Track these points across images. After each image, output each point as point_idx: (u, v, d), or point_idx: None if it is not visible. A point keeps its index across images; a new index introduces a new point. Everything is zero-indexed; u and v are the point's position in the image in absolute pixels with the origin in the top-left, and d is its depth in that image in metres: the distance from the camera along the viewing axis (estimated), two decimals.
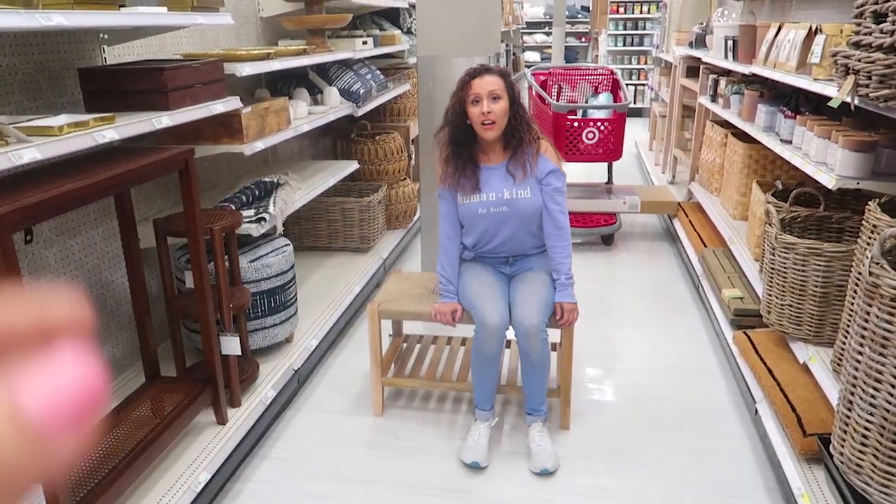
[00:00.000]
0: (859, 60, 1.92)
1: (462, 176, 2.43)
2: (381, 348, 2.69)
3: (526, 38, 12.79)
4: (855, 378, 1.71)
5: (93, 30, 2.38)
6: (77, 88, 2.33)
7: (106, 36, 2.47)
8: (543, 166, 2.43)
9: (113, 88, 2.17)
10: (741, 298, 3.11)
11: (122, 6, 2.02)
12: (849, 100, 1.98)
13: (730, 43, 3.85)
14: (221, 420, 2.37)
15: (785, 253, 2.35)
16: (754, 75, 3.44)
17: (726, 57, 3.93)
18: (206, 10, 2.39)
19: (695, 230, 4.25)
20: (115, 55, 2.56)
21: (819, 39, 2.49)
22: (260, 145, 2.72)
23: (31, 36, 2.17)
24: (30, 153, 1.58)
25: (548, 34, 12.64)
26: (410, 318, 2.70)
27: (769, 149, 3.13)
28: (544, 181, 2.43)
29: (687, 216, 4.53)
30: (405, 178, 4.66)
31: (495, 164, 2.46)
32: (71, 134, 1.73)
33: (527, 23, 12.61)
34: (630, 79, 10.98)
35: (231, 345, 2.37)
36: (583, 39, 12.96)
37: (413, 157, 5.01)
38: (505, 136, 2.42)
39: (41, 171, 1.78)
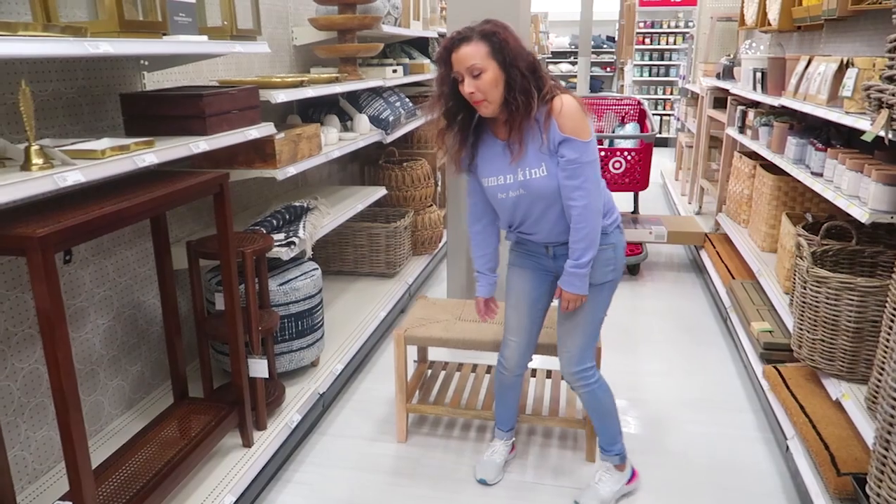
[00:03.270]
0: (893, 94, 1.91)
1: (461, 149, 2.11)
2: (406, 374, 2.69)
3: (551, 67, 12.90)
4: (892, 417, 1.67)
5: (136, 57, 2.45)
6: (117, 113, 2.40)
7: (146, 63, 2.54)
8: (553, 136, 1.97)
9: (153, 113, 2.22)
10: (771, 332, 3.06)
11: (165, 34, 2.09)
12: (883, 134, 1.97)
13: (758, 75, 3.85)
14: (247, 443, 2.38)
15: (817, 287, 2.32)
16: (783, 107, 3.43)
17: (755, 89, 3.93)
18: (245, 39, 2.46)
19: (722, 262, 4.21)
20: (154, 81, 2.64)
21: (851, 73, 2.48)
22: (292, 170, 2.76)
23: (75, 62, 2.25)
24: (74, 176, 1.63)
25: (573, 64, 12.73)
26: (436, 345, 2.69)
27: (798, 181, 3.10)
28: (558, 153, 1.99)
29: (714, 247, 4.49)
30: (431, 205, 4.69)
31: (500, 140, 2.07)
32: (113, 157, 1.78)
33: (552, 52, 12.73)
34: (655, 109, 11.00)
35: (259, 367, 2.39)
36: (608, 69, 13.04)
37: (440, 183, 5.05)
38: (505, 107, 1.97)
39: (82, 193, 1.83)
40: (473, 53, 1.91)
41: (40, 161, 1.61)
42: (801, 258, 2.46)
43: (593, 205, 2.02)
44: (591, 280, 2.13)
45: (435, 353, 3.18)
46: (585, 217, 2.02)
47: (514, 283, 2.33)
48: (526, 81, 1.93)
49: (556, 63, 13.14)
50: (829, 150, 2.73)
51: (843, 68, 2.65)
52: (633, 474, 2.42)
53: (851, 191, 2.42)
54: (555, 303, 2.30)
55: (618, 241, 2.19)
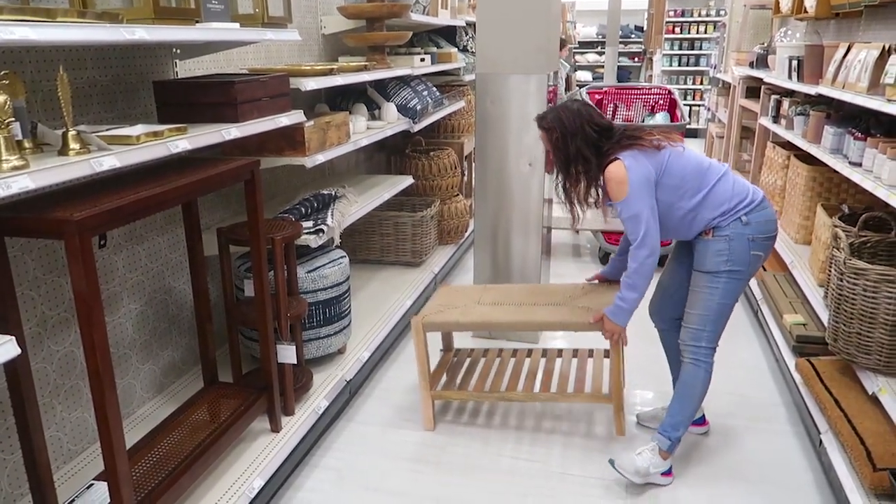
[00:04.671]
0: None
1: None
2: (428, 361, 2.69)
3: (578, 57, 12.76)
4: None
5: (169, 44, 2.47)
6: (150, 100, 2.43)
7: (178, 51, 2.56)
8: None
9: (185, 101, 2.24)
10: (804, 325, 3.01)
11: (198, 21, 2.09)
12: None
13: (794, 63, 3.77)
14: (276, 427, 2.40)
15: (854, 279, 2.27)
16: (820, 96, 3.35)
17: (790, 77, 3.85)
18: (276, 27, 2.46)
19: None
20: (186, 69, 2.66)
21: (894, 60, 2.41)
22: (320, 158, 2.77)
23: (110, 50, 2.27)
24: (110, 160, 1.65)
25: (600, 53, 12.58)
26: (454, 329, 2.69)
27: (834, 171, 3.03)
28: None
29: None
30: (458, 194, 4.68)
31: None
32: (147, 143, 1.79)
33: (579, 42, 12.58)
34: (685, 99, 10.85)
35: (287, 353, 2.41)
36: (636, 59, 12.86)
37: (466, 173, 5.04)
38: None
39: (116, 179, 1.85)
40: (542, 138, 2.46)
41: (77, 146, 1.63)
42: (838, 250, 2.40)
43: (638, 254, 2.29)
44: (704, 267, 2.32)
45: (461, 342, 3.18)
46: (632, 257, 2.31)
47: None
48: (564, 164, 2.38)
49: (582, 53, 13.01)
50: (868, 139, 2.66)
51: (885, 55, 2.58)
52: (669, 472, 2.42)
53: (893, 181, 2.36)
54: None
55: (735, 233, 2.25)
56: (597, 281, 2.81)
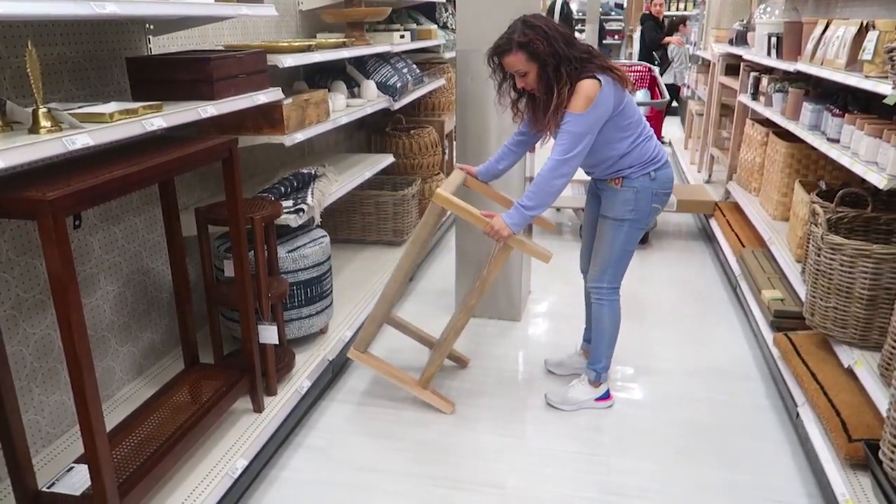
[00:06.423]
0: None
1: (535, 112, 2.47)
2: (396, 372, 2.74)
3: None
4: None
5: (142, 19, 2.41)
6: (123, 77, 2.37)
7: (151, 26, 2.50)
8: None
9: (160, 77, 2.19)
10: (782, 300, 3.05)
11: None
12: None
13: (773, 40, 3.77)
14: (258, 408, 2.40)
15: (831, 254, 2.30)
16: (799, 73, 3.36)
17: (769, 54, 3.85)
18: (252, 2, 2.41)
19: (732, 230, 4.18)
20: (160, 45, 2.59)
21: (872, 36, 2.42)
22: (300, 137, 2.73)
23: (80, 25, 2.21)
24: (82, 139, 1.61)
25: (580, 31, 12.53)
26: (373, 329, 2.72)
27: (812, 148, 3.06)
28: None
29: (724, 216, 4.45)
30: (439, 173, 4.66)
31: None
32: (121, 121, 1.75)
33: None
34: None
35: (269, 334, 2.39)
36: (616, 37, 12.84)
37: (447, 151, 5.01)
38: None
39: (89, 158, 1.81)
40: (516, 62, 2.32)
41: (48, 124, 1.59)
42: (815, 225, 2.43)
43: (557, 167, 2.29)
44: (610, 214, 2.50)
45: (433, 329, 3.18)
46: (549, 167, 2.31)
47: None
48: (556, 75, 2.28)
49: None
50: (846, 115, 2.68)
51: (862, 31, 2.59)
52: (607, 397, 2.72)
53: (869, 157, 2.38)
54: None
55: (641, 186, 2.44)
56: (463, 172, 2.74)
